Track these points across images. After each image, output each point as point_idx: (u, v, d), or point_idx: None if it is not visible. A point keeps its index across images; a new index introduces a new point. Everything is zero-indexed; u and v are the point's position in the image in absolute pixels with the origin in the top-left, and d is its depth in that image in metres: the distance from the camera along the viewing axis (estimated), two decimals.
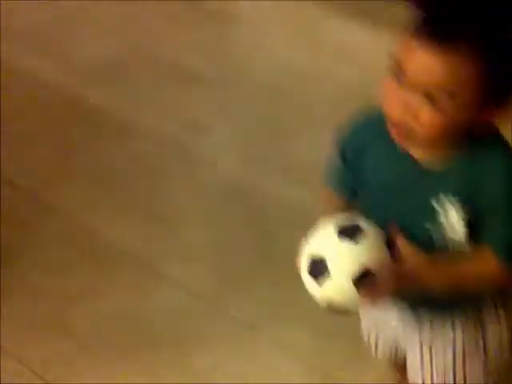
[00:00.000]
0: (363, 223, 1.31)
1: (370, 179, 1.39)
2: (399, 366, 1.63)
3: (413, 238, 1.32)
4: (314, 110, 3.05)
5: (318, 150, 2.73)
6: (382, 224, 1.32)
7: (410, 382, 1.56)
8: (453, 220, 1.30)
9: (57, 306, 2.30)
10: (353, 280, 1.26)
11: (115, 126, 2.96)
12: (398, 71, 1.21)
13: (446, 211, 1.30)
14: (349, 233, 1.29)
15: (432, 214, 1.31)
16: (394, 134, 1.27)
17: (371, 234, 1.30)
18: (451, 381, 1.47)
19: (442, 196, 1.30)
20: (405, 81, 1.21)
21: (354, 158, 1.40)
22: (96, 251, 2.47)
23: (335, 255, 1.29)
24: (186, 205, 2.64)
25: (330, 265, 1.28)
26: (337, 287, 1.28)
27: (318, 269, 1.29)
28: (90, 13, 3.59)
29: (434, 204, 1.30)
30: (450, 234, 1.32)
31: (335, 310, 1.32)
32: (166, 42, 3.41)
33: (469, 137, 1.27)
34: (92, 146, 2.87)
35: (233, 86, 3.18)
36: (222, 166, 2.80)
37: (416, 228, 1.33)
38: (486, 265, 1.33)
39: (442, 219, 1.31)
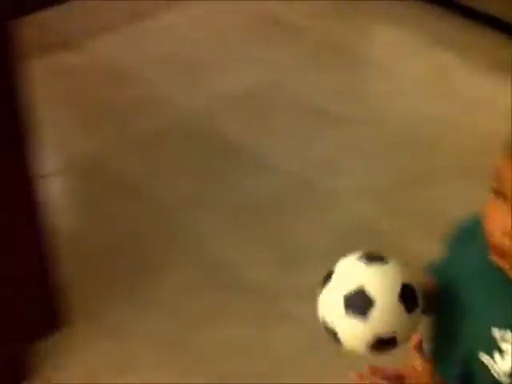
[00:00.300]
0: (393, 260, 1.27)
1: (455, 274, 1.36)
2: None
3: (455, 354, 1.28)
4: (443, 158, 3.04)
5: (449, 199, 2.75)
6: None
7: None
8: (508, 353, 1.24)
9: (182, 327, 2.41)
10: (345, 295, 1.23)
11: (251, 160, 3.06)
12: (500, 191, 1.20)
13: (504, 341, 1.25)
14: (369, 258, 1.26)
15: (490, 340, 1.25)
16: (491, 252, 1.24)
17: (392, 268, 1.26)
18: None
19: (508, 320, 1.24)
20: (506, 201, 1.19)
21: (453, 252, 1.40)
22: (222, 279, 2.57)
23: (343, 268, 1.28)
24: (311, 243, 2.70)
25: (334, 274, 1.28)
26: (329, 295, 1.27)
27: (325, 279, 1.29)
28: (231, 49, 3.69)
29: (497, 331, 1.25)
30: (497, 365, 1.25)
31: (327, 330, 1.28)
32: (301, 82, 3.46)
33: None
34: (228, 179, 2.98)
35: (363, 128, 3.21)
36: (350, 207, 2.85)
37: (465, 348, 1.28)
38: None
39: (498, 346, 1.25)
